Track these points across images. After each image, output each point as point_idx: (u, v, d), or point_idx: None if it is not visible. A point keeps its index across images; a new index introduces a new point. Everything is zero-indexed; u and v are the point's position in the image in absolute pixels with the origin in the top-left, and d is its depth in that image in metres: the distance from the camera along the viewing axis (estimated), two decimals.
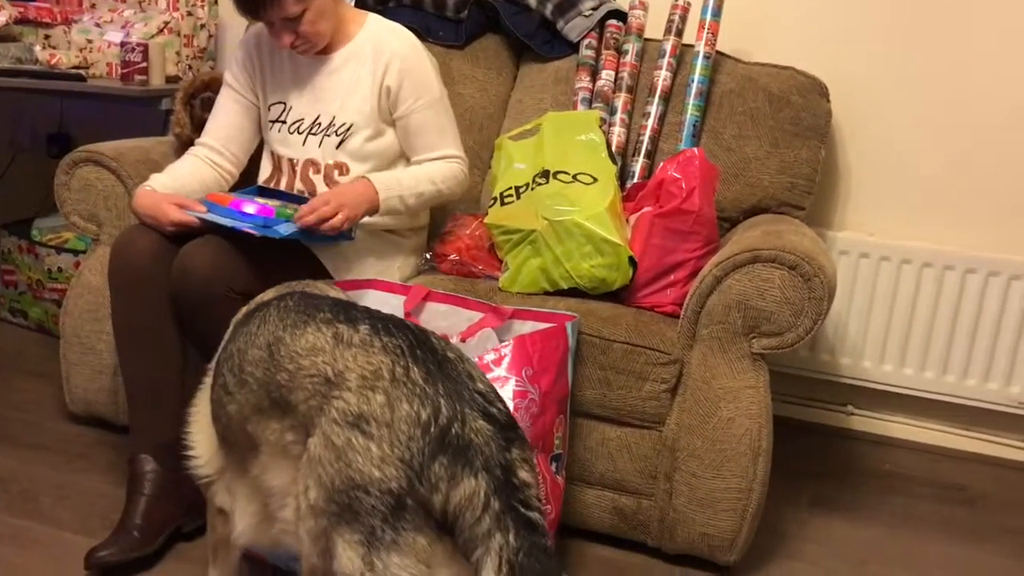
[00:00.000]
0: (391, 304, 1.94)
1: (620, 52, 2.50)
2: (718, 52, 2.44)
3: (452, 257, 2.21)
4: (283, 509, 1.28)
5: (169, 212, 1.89)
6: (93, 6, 3.04)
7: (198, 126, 2.25)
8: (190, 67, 2.90)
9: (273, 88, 2.14)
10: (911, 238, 2.59)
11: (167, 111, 2.61)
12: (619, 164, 2.32)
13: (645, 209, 2.13)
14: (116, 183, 2.22)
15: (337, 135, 2.08)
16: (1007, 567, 2.12)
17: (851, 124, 2.60)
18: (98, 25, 2.90)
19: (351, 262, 2.05)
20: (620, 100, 2.44)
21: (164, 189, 1.98)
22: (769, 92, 2.37)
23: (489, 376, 1.51)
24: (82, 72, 2.75)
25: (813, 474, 2.49)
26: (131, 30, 2.82)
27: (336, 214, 1.89)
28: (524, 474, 1.15)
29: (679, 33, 2.45)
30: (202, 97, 2.34)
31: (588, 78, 2.48)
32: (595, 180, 2.14)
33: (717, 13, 2.40)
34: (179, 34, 2.87)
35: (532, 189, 2.16)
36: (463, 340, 1.88)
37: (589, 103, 2.46)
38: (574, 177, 2.14)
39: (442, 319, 1.94)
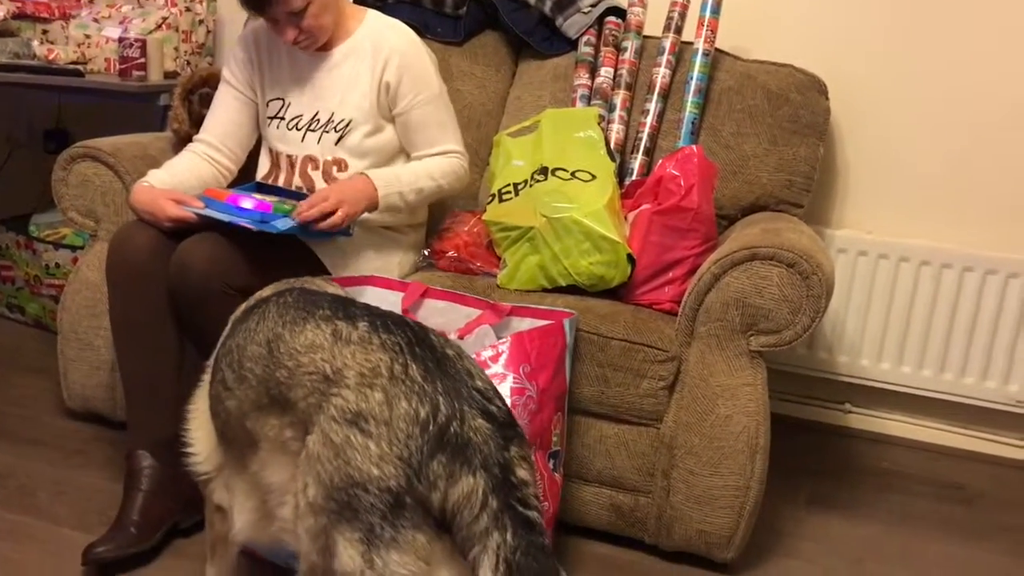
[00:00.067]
0: (389, 301, 1.94)
1: (619, 49, 2.49)
2: (717, 49, 2.44)
3: (450, 254, 2.20)
4: (282, 507, 1.28)
5: (167, 208, 1.89)
6: (91, 1, 3.03)
7: (196, 122, 2.25)
8: (188, 63, 2.90)
9: (271, 84, 2.14)
10: (909, 236, 2.59)
11: (165, 107, 2.60)
12: (618, 161, 2.32)
13: (643, 206, 2.13)
14: (114, 179, 2.21)
15: (336, 131, 2.07)
16: (1004, 565, 2.12)
17: (850, 122, 2.60)
18: (96, 20, 2.90)
19: (349, 258, 2.05)
20: (619, 97, 2.44)
21: (162, 185, 1.98)
22: (768, 90, 2.37)
23: (486, 373, 1.51)
24: (80, 67, 2.75)
25: (811, 472, 2.49)
26: (129, 26, 2.82)
27: (336, 210, 1.89)
28: (522, 472, 1.15)
29: (678, 30, 2.45)
30: (200, 93, 2.34)
31: (587, 75, 2.48)
32: (594, 177, 2.14)
33: (716, 10, 2.40)
34: (177, 30, 2.86)
35: (530, 186, 2.16)
36: (461, 337, 1.88)
37: (588, 100, 2.45)
38: (572, 174, 2.14)
39: (440, 316, 1.94)
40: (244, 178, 2.19)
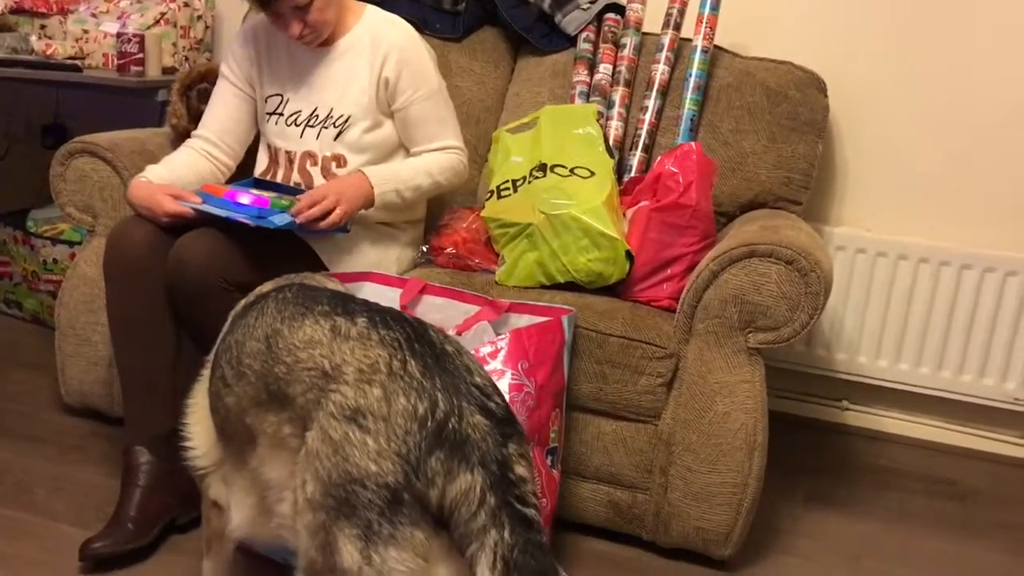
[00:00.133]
0: (387, 297, 1.94)
1: (618, 46, 2.49)
2: (716, 46, 2.43)
3: (449, 250, 2.20)
4: (280, 503, 1.28)
5: (164, 203, 1.89)
6: None
7: (194, 117, 2.25)
8: (186, 58, 2.89)
9: (270, 80, 2.13)
10: (908, 234, 2.59)
11: (163, 102, 2.60)
12: (616, 158, 2.32)
13: (642, 203, 2.13)
14: (112, 174, 2.21)
15: (335, 127, 2.07)
16: (1001, 563, 2.13)
17: (848, 119, 2.60)
18: (94, 15, 2.89)
19: (347, 254, 2.05)
20: (618, 94, 2.44)
21: (160, 181, 1.98)
22: (767, 87, 2.37)
23: (485, 369, 1.51)
24: (78, 63, 2.74)
25: (808, 469, 2.49)
26: (127, 21, 2.81)
27: (334, 208, 1.89)
28: (521, 470, 1.14)
29: (677, 27, 2.44)
30: (198, 88, 2.33)
31: (586, 72, 2.48)
32: (592, 174, 2.13)
33: (715, 7, 2.40)
34: (175, 25, 2.86)
35: (529, 182, 2.16)
36: (459, 333, 1.88)
37: (587, 97, 2.45)
38: (571, 171, 2.14)
39: (438, 312, 1.94)
40: (242, 174, 2.19)
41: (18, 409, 2.42)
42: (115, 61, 2.72)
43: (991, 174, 2.54)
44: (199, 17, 2.94)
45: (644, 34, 2.51)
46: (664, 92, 2.42)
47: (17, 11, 2.93)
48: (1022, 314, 2.52)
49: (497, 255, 2.17)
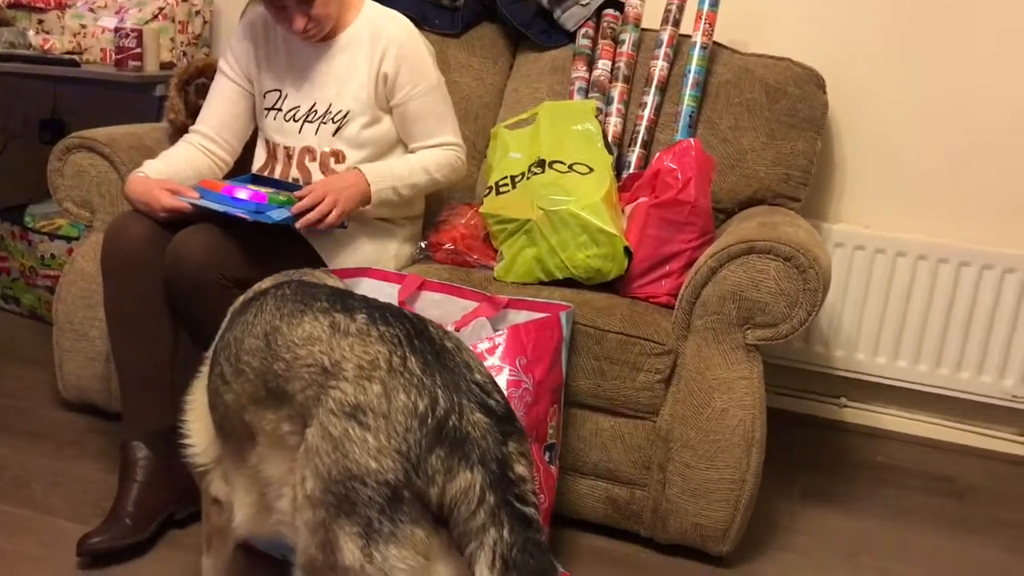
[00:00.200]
0: (385, 293, 1.94)
1: (617, 42, 2.49)
2: (715, 43, 2.43)
3: (447, 246, 2.20)
4: (280, 499, 1.28)
5: (161, 198, 1.89)
6: None
7: (192, 112, 2.24)
8: (185, 53, 2.89)
9: (268, 76, 2.13)
10: (906, 231, 2.59)
11: (161, 97, 2.60)
12: (615, 154, 2.31)
13: (641, 199, 2.13)
14: (109, 169, 2.21)
15: (334, 122, 2.07)
16: (998, 559, 2.13)
17: (847, 116, 2.60)
18: (92, 10, 2.88)
19: (345, 250, 2.05)
20: (616, 90, 2.44)
21: (157, 175, 1.98)
22: (766, 83, 2.36)
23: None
24: (76, 57, 2.73)
25: (806, 466, 2.50)
26: (125, 16, 2.81)
27: (332, 209, 1.90)
28: (520, 468, 1.14)
29: (676, 23, 2.44)
30: (197, 83, 2.33)
31: (585, 68, 2.47)
32: (591, 170, 2.13)
33: (715, 3, 2.40)
34: (174, 20, 2.85)
35: (528, 178, 2.16)
36: (457, 329, 1.88)
37: (585, 93, 2.45)
38: (570, 167, 2.14)
39: (436, 308, 1.93)
40: (240, 170, 2.19)
41: (16, 405, 2.41)
42: (113, 56, 2.72)
43: (990, 171, 2.55)
44: (197, 12, 2.93)
45: (643, 30, 2.51)
46: (663, 88, 2.42)
47: (15, 5, 2.92)
48: (1020, 311, 2.52)
49: (495, 251, 2.17)
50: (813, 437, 2.69)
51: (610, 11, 2.52)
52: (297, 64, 2.10)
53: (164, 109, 2.39)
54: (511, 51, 2.64)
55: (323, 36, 2.06)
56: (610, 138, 2.37)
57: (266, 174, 2.13)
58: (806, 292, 1.84)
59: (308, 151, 2.09)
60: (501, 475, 1.11)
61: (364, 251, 2.08)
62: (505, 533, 1.09)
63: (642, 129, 2.39)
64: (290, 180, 2.09)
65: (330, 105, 2.07)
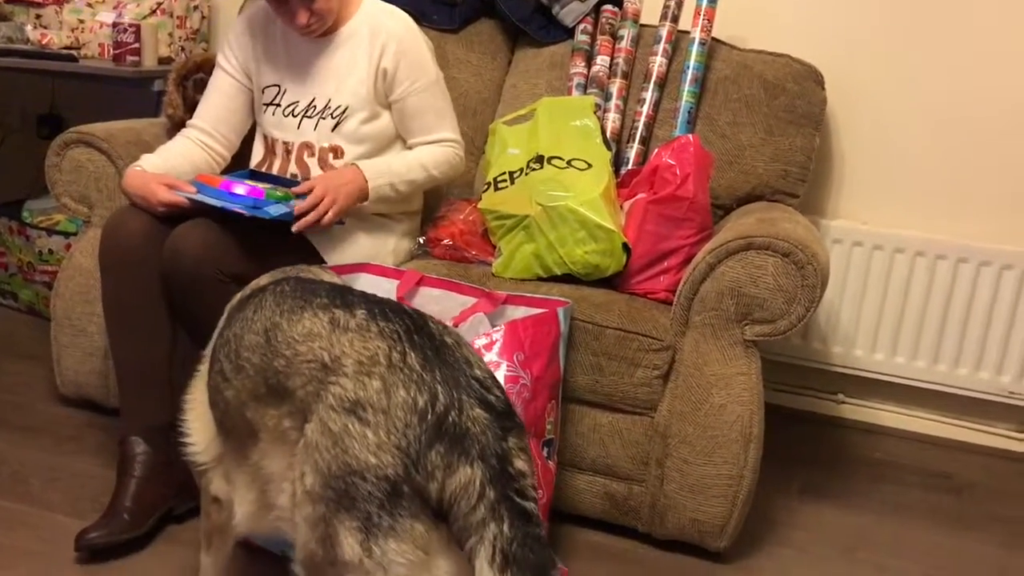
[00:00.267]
0: (384, 288, 1.94)
1: (615, 38, 2.49)
2: (714, 39, 2.43)
3: (445, 242, 2.20)
4: (281, 495, 1.28)
5: (159, 192, 1.89)
6: None
7: (191, 107, 2.24)
8: (183, 49, 2.88)
9: (267, 71, 2.13)
10: (904, 227, 2.59)
11: (159, 92, 2.59)
12: (613, 150, 2.31)
13: (639, 195, 2.13)
14: (107, 164, 2.20)
15: (332, 118, 2.07)
16: (995, 555, 2.13)
17: (846, 112, 2.60)
18: (90, 5, 2.88)
19: (343, 245, 2.04)
20: (615, 86, 2.44)
21: (154, 170, 1.98)
22: (764, 79, 2.36)
23: None
24: (74, 52, 2.73)
25: (804, 462, 2.50)
26: (123, 10, 2.80)
27: (329, 209, 1.90)
28: (520, 464, 1.14)
29: (675, 19, 2.44)
30: (195, 79, 2.32)
31: (583, 63, 2.47)
32: (589, 166, 2.13)
33: (713, 0, 2.40)
34: (172, 15, 2.85)
35: (526, 174, 2.16)
36: (456, 325, 1.87)
37: (584, 89, 2.45)
38: (568, 163, 2.14)
39: (435, 304, 1.93)
40: (238, 165, 2.18)
41: (14, 400, 2.41)
42: (111, 51, 2.71)
43: (988, 168, 2.55)
44: (195, 7, 2.93)
45: (642, 26, 2.50)
46: (661, 84, 2.42)
47: (12, 0, 2.91)
48: (1018, 308, 2.53)
49: (494, 247, 2.17)
50: (811, 433, 2.70)
51: (609, 7, 2.51)
52: (296, 59, 2.10)
53: (162, 104, 2.38)
54: (509, 47, 2.64)
55: (323, 31, 2.06)
56: (608, 134, 2.37)
57: (264, 169, 2.13)
58: (804, 288, 1.84)
59: (307, 147, 2.09)
60: (501, 470, 1.11)
61: (362, 246, 2.08)
62: (505, 528, 1.09)
63: (640, 125, 2.39)
64: (288, 176, 2.09)
65: (329, 100, 2.07)
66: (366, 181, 1.99)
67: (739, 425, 1.88)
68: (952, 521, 2.27)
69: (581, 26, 2.51)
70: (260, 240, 1.87)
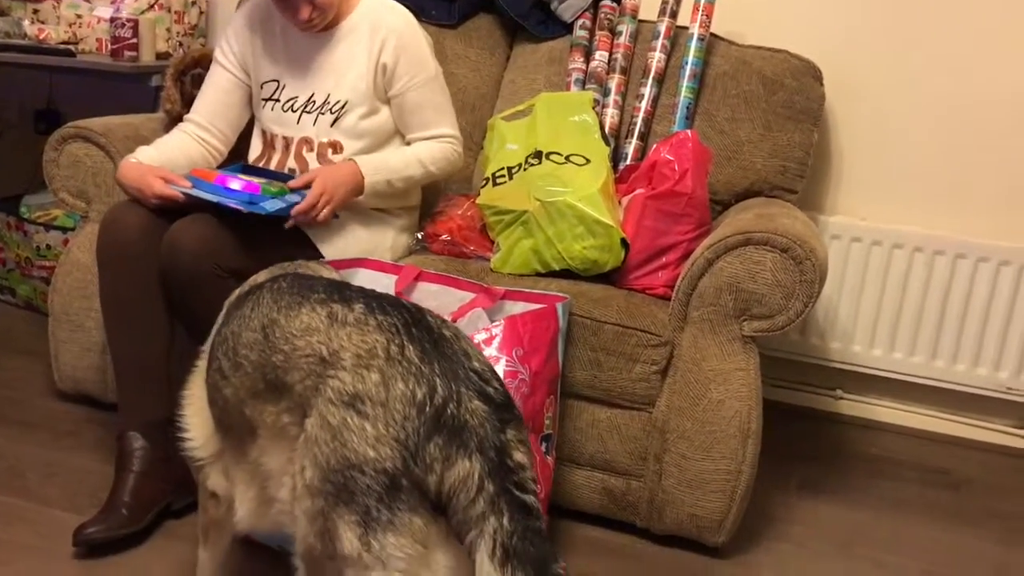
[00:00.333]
0: (382, 283, 1.94)
1: (614, 33, 2.48)
2: (712, 34, 2.43)
3: (444, 237, 2.20)
4: (280, 489, 1.28)
5: (153, 185, 1.88)
6: None
7: (188, 103, 2.24)
8: (180, 44, 2.88)
9: (266, 66, 2.12)
10: (902, 223, 2.59)
11: (157, 88, 2.58)
12: (612, 146, 2.31)
13: (638, 191, 2.13)
14: (105, 159, 2.20)
15: (332, 113, 2.06)
16: (993, 551, 2.14)
17: (844, 108, 2.60)
18: (87, 0, 2.87)
19: (342, 240, 2.04)
20: (614, 81, 2.43)
21: (150, 162, 1.97)
22: (763, 75, 2.36)
23: None
24: (71, 47, 2.72)
25: (802, 457, 2.50)
26: (121, 5, 2.80)
27: (326, 206, 1.90)
28: (519, 456, 1.14)
29: (673, 14, 2.44)
30: (192, 74, 2.32)
31: (582, 59, 2.47)
32: (588, 161, 2.13)
33: None
34: (169, 10, 2.84)
35: (524, 170, 2.16)
36: (454, 320, 1.87)
37: (582, 84, 2.45)
38: (567, 158, 2.14)
39: (433, 299, 1.93)
40: (236, 160, 2.18)
41: (11, 395, 2.41)
42: (109, 46, 2.71)
43: (986, 164, 2.55)
44: (193, 2, 2.92)
45: (640, 21, 2.50)
46: (660, 80, 2.42)
47: None
48: (1016, 304, 2.53)
49: (492, 242, 2.17)
50: (809, 429, 2.70)
51: (607, 2, 2.51)
52: (295, 54, 2.10)
53: (160, 99, 2.38)
54: (508, 42, 2.63)
55: (323, 26, 2.06)
56: (607, 129, 2.37)
57: (262, 164, 2.13)
58: (803, 284, 1.84)
59: (306, 141, 2.08)
60: (500, 463, 1.11)
61: (360, 242, 2.08)
62: (505, 521, 1.08)
63: (639, 120, 2.39)
64: (286, 170, 2.09)
65: (328, 95, 2.07)
66: (363, 177, 1.99)
67: (737, 420, 1.88)
68: (950, 517, 2.27)
69: (580, 21, 2.51)
70: (258, 235, 1.86)
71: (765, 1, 2.61)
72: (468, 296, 1.92)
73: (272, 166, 2.11)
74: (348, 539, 1.11)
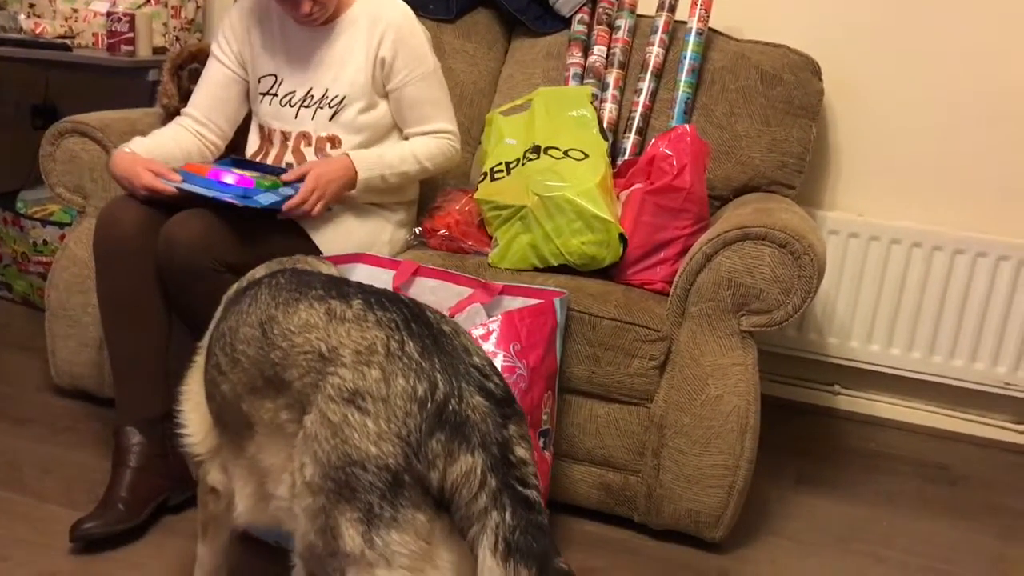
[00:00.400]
0: (380, 279, 1.94)
1: (612, 28, 2.48)
2: (711, 29, 2.42)
3: (441, 232, 2.19)
4: (278, 486, 1.27)
5: (142, 176, 1.87)
6: None
7: (185, 97, 2.23)
8: (177, 38, 2.87)
9: (264, 60, 2.12)
10: (901, 218, 2.59)
11: (154, 82, 2.58)
12: (610, 140, 2.31)
13: (636, 186, 2.12)
14: (102, 154, 2.19)
15: (330, 107, 2.06)
16: (991, 546, 2.14)
17: (843, 104, 2.60)
18: None
19: (339, 235, 2.04)
20: (612, 76, 2.43)
21: (143, 152, 1.96)
22: (761, 70, 2.36)
23: None
24: (68, 42, 2.72)
25: (799, 453, 2.50)
26: (117, 0, 2.79)
27: (318, 201, 1.90)
28: (521, 451, 1.14)
29: (672, 9, 2.43)
30: (190, 68, 2.31)
31: (580, 53, 2.46)
32: (586, 156, 2.13)
33: None
34: (166, 5, 2.83)
35: (523, 165, 2.15)
36: (452, 315, 1.87)
37: (581, 79, 2.44)
38: (565, 153, 2.13)
39: (431, 294, 1.93)
40: (234, 154, 2.18)
41: (8, 391, 2.41)
42: (105, 40, 2.70)
43: (984, 159, 2.55)
44: None
45: (639, 16, 2.50)
46: (658, 74, 2.41)
47: None
48: (1014, 299, 2.53)
49: (490, 237, 2.17)
50: (807, 424, 2.70)
51: None
52: (293, 48, 2.09)
53: (157, 94, 2.37)
54: (506, 37, 2.63)
55: (323, 20, 2.05)
56: (605, 124, 2.37)
57: (260, 158, 2.12)
58: (801, 279, 1.84)
59: (304, 136, 2.08)
60: (502, 458, 1.11)
61: (358, 237, 2.07)
62: (507, 516, 1.08)
63: (637, 115, 2.39)
64: (284, 165, 2.08)
65: (327, 90, 2.06)
66: (355, 172, 1.99)
67: (735, 416, 1.88)
68: (947, 512, 2.27)
69: (578, 16, 2.50)
70: (256, 230, 1.86)
71: None
72: (466, 291, 1.92)
73: (270, 160, 2.11)
74: (350, 536, 1.11)
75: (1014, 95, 2.50)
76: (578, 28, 2.49)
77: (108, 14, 2.67)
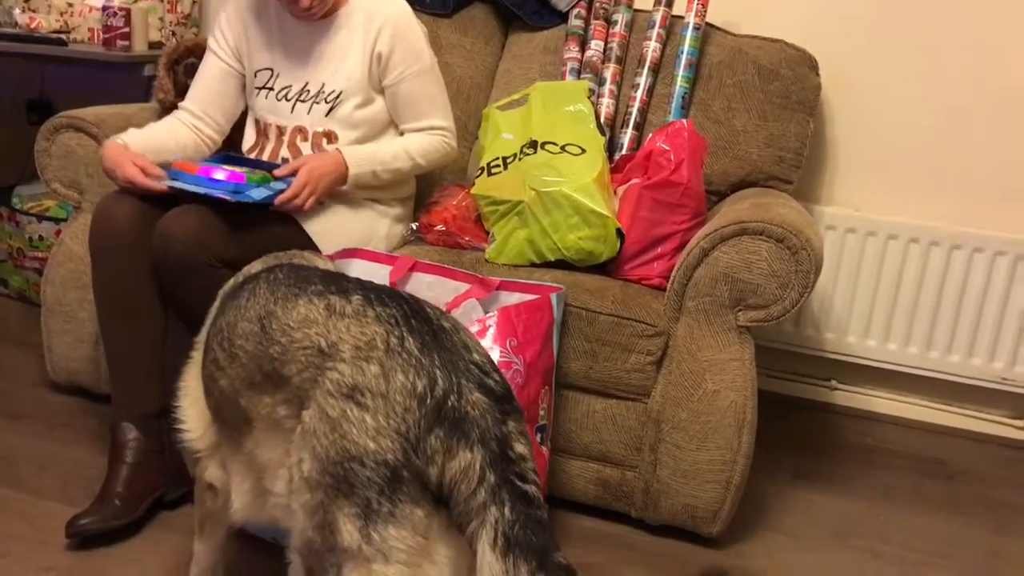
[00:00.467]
0: (377, 274, 1.93)
1: (609, 22, 2.48)
2: (708, 24, 2.42)
3: (438, 227, 2.19)
4: (276, 482, 1.27)
5: (127, 168, 1.87)
6: None
7: (181, 92, 2.23)
8: (173, 33, 2.86)
9: (260, 54, 2.11)
10: (898, 213, 2.59)
11: (150, 77, 2.57)
12: (607, 135, 2.31)
13: (633, 181, 2.12)
14: (98, 149, 2.18)
15: (326, 102, 2.05)
16: (988, 540, 2.14)
17: (840, 99, 2.60)
18: None
19: (336, 230, 2.03)
20: (609, 71, 2.43)
21: (136, 143, 1.96)
22: (759, 65, 2.36)
23: None
24: (63, 36, 2.71)
25: (796, 448, 2.50)
26: None
27: (310, 196, 1.90)
28: (520, 447, 1.14)
29: (669, 4, 2.43)
30: (186, 63, 2.31)
31: (577, 48, 2.46)
32: (583, 151, 2.13)
33: None
34: (162, 0, 2.83)
35: (520, 159, 2.15)
36: (448, 311, 1.87)
37: (578, 73, 2.44)
38: (562, 148, 2.13)
39: (428, 290, 1.93)
40: (230, 149, 2.17)
41: (4, 387, 2.40)
42: (101, 35, 2.69)
43: (982, 155, 2.55)
44: None
45: (636, 11, 2.50)
46: (655, 69, 2.41)
47: None
48: (1010, 294, 2.53)
49: (487, 233, 2.16)
50: (804, 419, 2.70)
51: None
52: (290, 43, 2.09)
53: (153, 89, 2.37)
54: (503, 31, 2.62)
55: (320, 15, 2.04)
56: (602, 119, 2.36)
57: (255, 153, 2.12)
58: (798, 274, 1.84)
59: (300, 131, 2.07)
60: (501, 454, 1.11)
61: (355, 232, 2.07)
62: (506, 511, 1.08)
63: (634, 110, 2.39)
64: (279, 160, 2.08)
65: (323, 85, 2.06)
66: (347, 167, 1.99)
67: (732, 411, 1.88)
68: (944, 507, 2.28)
69: (575, 11, 2.50)
70: (252, 225, 1.86)
71: None
72: (463, 287, 1.91)
73: (266, 155, 2.10)
74: (348, 531, 1.11)
75: (1012, 90, 2.50)
76: (575, 23, 2.48)
77: (104, 9, 2.66)
